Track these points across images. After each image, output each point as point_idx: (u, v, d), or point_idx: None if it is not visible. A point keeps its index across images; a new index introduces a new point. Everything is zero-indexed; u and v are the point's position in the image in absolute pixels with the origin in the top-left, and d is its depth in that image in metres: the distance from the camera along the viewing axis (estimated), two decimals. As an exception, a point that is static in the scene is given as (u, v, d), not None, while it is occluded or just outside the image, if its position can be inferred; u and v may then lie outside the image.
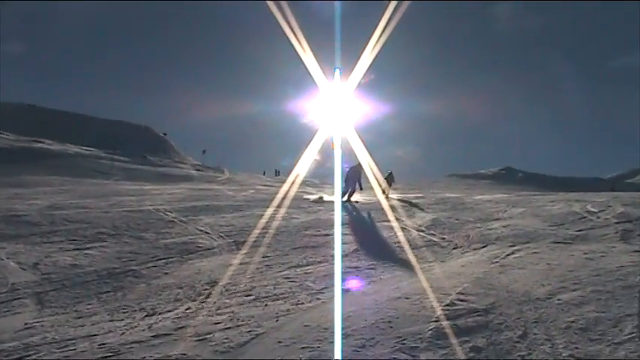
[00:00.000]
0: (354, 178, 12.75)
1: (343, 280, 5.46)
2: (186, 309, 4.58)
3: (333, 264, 6.12)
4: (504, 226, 8.35)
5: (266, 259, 6.47)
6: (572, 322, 3.68)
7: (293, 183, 11.52)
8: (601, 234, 7.42)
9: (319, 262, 6.28)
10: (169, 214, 9.57)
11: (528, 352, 3.25)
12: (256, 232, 8.06)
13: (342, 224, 9.19)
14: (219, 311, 4.42)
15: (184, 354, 3.39)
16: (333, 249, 7.05)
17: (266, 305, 4.54)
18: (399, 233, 8.03)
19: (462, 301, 4.18)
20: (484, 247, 7.00)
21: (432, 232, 8.34)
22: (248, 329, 3.82)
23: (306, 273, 5.78)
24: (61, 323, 4.33)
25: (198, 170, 34.13)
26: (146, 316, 4.46)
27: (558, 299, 4.18)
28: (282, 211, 9.98)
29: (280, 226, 8.56)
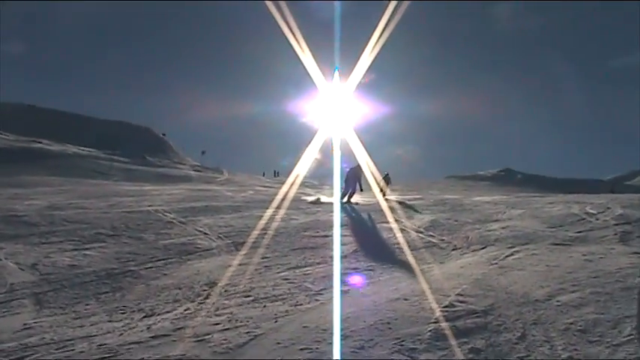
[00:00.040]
0: (354, 179, 12.74)
1: (343, 280, 5.46)
2: (185, 310, 4.57)
3: (332, 265, 6.11)
4: (503, 228, 8.34)
5: (265, 260, 6.47)
6: (571, 323, 3.68)
7: (292, 184, 11.51)
8: (600, 236, 7.42)
9: (318, 264, 6.27)
10: (168, 214, 9.56)
11: (527, 354, 3.25)
12: (255, 233, 8.05)
13: (341, 225, 9.19)
14: (217, 312, 4.41)
15: (183, 355, 3.39)
16: (332, 250, 7.05)
17: (265, 306, 4.54)
18: (398, 234, 8.02)
19: (460, 302, 4.18)
20: (483, 248, 7.00)
21: (431, 233, 8.34)
22: (247, 330, 3.82)
23: (305, 274, 5.78)
24: (59, 324, 4.33)
25: (198, 171, 34.16)
26: (145, 316, 4.46)
27: (557, 301, 4.18)
28: (282, 212, 9.97)
29: (279, 227, 8.56)
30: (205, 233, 8.16)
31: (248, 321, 4.05)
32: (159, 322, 4.23)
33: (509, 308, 4.04)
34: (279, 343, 3.50)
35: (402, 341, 3.40)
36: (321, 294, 4.92)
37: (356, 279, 5.38)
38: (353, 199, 12.82)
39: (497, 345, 3.38)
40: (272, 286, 5.28)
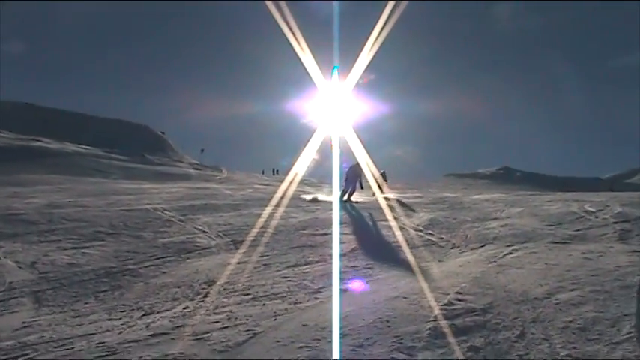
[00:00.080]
0: (354, 177, 12.74)
1: (343, 280, 5.46)
2: (184, 308, 4.57)
3: (331, 263, 6.12)
4: (502, 226, 8.35)
5: (264, 258, 6.47)
6: (570, 321, 3.69)
7: (291, 182, 11.50)
8: (599, 234, 7.43)
9: (317, 262, 6.27)
10: (167, 213, 9.56)
11: (526, 352, 3.26)
12: (254, 231, 8.05)
13: (340, 223, 9.19)
14: (217, 310, 4.42)
15: (182, 353, 3.39)
16: (331, 248, 7.05)
17: (264, 304, 4.54)
18: (397, 233, 8.03)
19: (459, 300, 4.19)
20: (482, 246, 7.00)
21: (430, 231, 8.35)
22: (246, 328, 3.82)
23: (304, 272, 5.78)
24: (58, 322, 4.32)
25: (197, 169, 34.09)
26: (144, 315, 4.46)
27: (556, 299, 4.18)
28: (281, 210, 9.97)
29: (278, 225, 8.56)
30: (204, 231, 8.16)
31: (247, 319, 4.06)
32: (158, 320, 4.23)
33: (508, 306, 4.04)
34: (278, 341, 3.50)
35: (401, 339, 3.41)
36: (320, 292, 4.93)
37: (355, 284, 5.36)
38: (353, 198, 12.82)
39: (496, 343, 3.38)
40: (271, 284, 5.29)
